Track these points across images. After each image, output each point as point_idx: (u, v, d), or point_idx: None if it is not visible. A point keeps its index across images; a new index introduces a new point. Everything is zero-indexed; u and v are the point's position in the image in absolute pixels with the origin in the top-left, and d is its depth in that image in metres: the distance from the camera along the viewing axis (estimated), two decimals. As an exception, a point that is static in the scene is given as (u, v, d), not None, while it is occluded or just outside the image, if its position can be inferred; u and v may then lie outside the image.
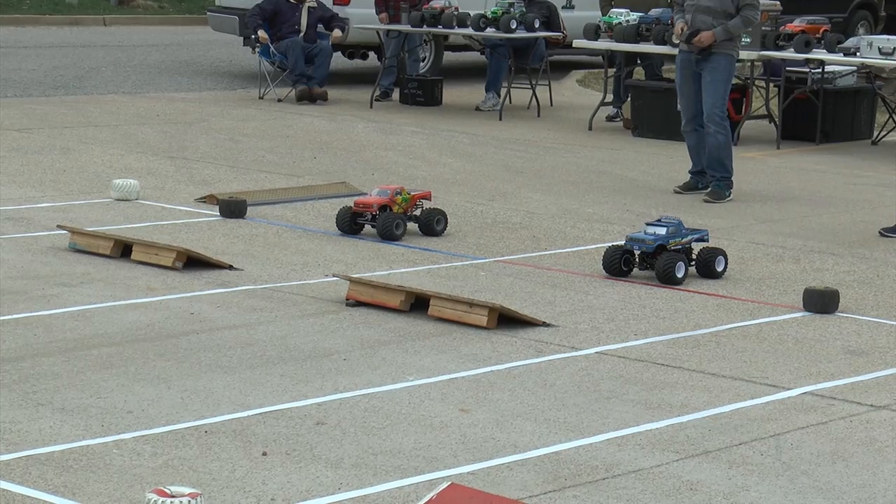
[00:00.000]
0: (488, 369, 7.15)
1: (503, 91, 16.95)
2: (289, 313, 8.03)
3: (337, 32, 17.01)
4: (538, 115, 16.70)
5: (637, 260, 9.12)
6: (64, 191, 11.26)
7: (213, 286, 8.54)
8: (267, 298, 8.30)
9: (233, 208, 10.50)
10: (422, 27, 16.99)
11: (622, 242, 9.22)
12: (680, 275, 8.94)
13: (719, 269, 9.15)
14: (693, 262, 9.16)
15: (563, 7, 18.77)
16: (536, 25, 16.54)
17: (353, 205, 10.13)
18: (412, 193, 10.22)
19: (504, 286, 8.79)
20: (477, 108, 17.11)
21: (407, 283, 8.51)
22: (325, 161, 13.21)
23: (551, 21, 17.15)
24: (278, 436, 6.10)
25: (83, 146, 13.34)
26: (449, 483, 5.20)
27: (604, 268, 9.14)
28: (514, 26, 16.29)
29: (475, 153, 14.01)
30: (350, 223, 10.05)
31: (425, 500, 5.05)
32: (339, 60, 19.06)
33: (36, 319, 7.68)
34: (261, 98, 17.15)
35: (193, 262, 8.92)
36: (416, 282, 8.66)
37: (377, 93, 17.31)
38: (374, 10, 17.61)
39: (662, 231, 9.09)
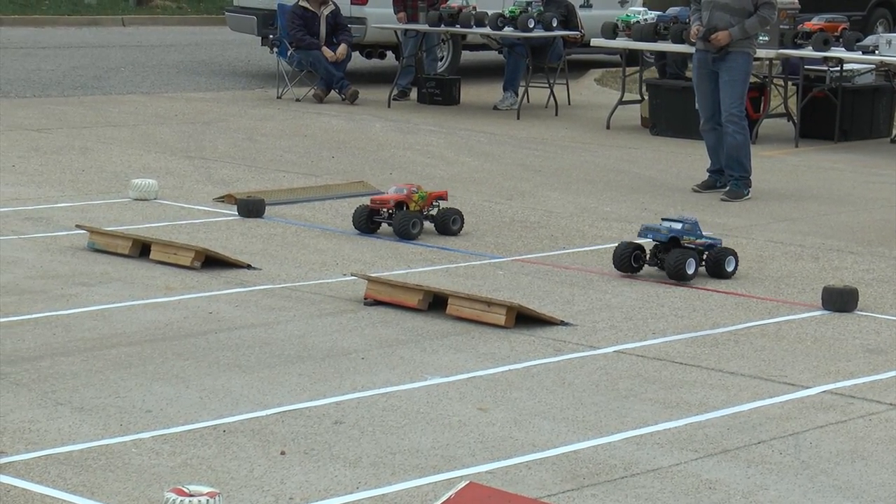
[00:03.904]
0: (506, 368, 7.14)
1: (521, 90, 16.94)
2: (307, 312, 8.02)
3: (342, 48, 16.95)
4: (556, 114, 16.69)
5: (648, 256, 9.07)
6: (83, 191, 11.27)
7: (232, 285, 8.54)
8: (285, 298, 8.30)
9: (251, 208, 10.51)
10: (439, 26, 17.00)
11: (632, 239, 9.20)
12: (690, 271, 8.90)
13: (730, 269, 9.08)
14: (703, 262, 9.10)
15: (580, 6, 18.74)
16: (554, 24, 16.52)
17: (369, 202, 10.12)
18: (429, 192, 10.18)
19: (522, 285, 8.78)
20: (495, 108, 17.10)
21: (425, 282, 8.50)
22: (343, 160, 13.21)
23: (569, 20, 17.14)
24: (297, 435, 6.10)
25: (102, 146, 13.36)
26: (467, 482, 5.18)
27: (614, 264, 9.09)
28: (531, 25, 16.28)
29: (493, 152, 14.01)
30: (367, 221, 10.04)
31: (444, 498, 5.04)
32: (357, 60, 19.04)
33: (55, 319, 7.69)
34: (279, 98, 17.16)
35: (212, 262, 8.93)
36: (434, 281, 8.66)
37: (395, 92, 17.32)
38: (391, 10, 17.61)
39: (678, 226, 9.04)
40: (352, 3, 18.28)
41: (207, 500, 5.08)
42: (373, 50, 19.30)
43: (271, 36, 17.85)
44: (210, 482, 5.45)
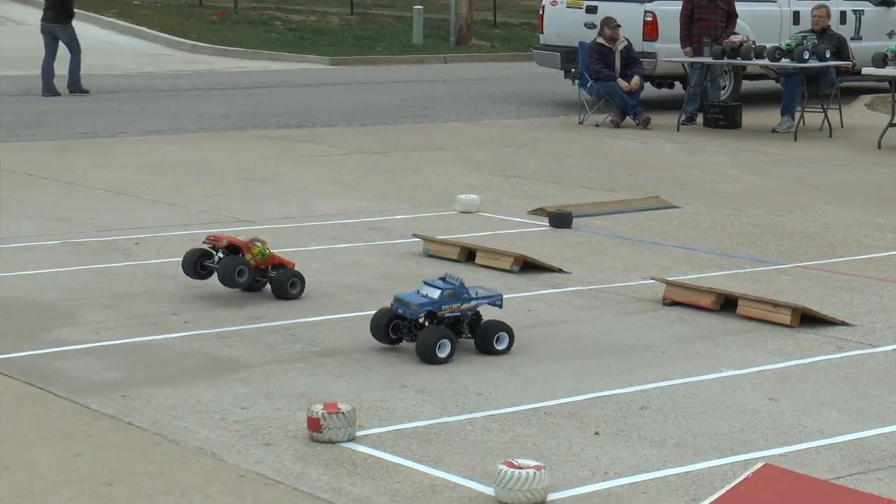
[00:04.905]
0: (793, 363, 6.98)
1: (797, 115, 16.53)
2: (612, 311, 8.00)
3: (635, 79, 16.87)
4: (830, 136, 16.24)
5: (406, 330, 6.94)
6: (416, 204, 11.48)
7: (546, 287, 8.58)
8: (593, 298, 8.30)
9: (561, 219, 10.54)
10: (722, 59, 16.75)
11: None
12: (443, 355, 6.73)
13: (500, 347, 6.91)
14: (471, 335, 7.00)
15: (851, 38, 18.21)
16: (827, 55, 16.08)
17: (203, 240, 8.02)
18: (271, 253, 7.98)
19: (804, 289, 8.57)
20: (773, 130, 16.74)
21: (717, 285, 8.38)
22: (638, 178, 13.13)
23: (841, 51, 16.64)
24: (608, 417, 6.09)
25: (430, 166, 13.59)
26: (763, 463, 5.09)
27: (371, 333, 7.00)
28: (806, 57, 15.89)
29: (773, 170, 13.71)
30: (195, 267, 7.87)
31: (742, 477, 4.96)
32: (648, 90, 18.91)
33: (397, 314, 7.84)
34: (580, 123, 17.17)
35: (528, 266, 8.99)
36: (725, 284, 8.52)
37: (683, 118, 17.13)
38: (679, 45, 17.44)
39: (436, 294, 6.81)
40: (643, 40, 18.16)
41: (534, 473, 5.11)
42: (662, 80, 19.14)
43: (573, 70, 17.88)
44: (535, 457, 5.48)
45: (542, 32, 19.67)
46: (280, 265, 7.97)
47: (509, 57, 27.69)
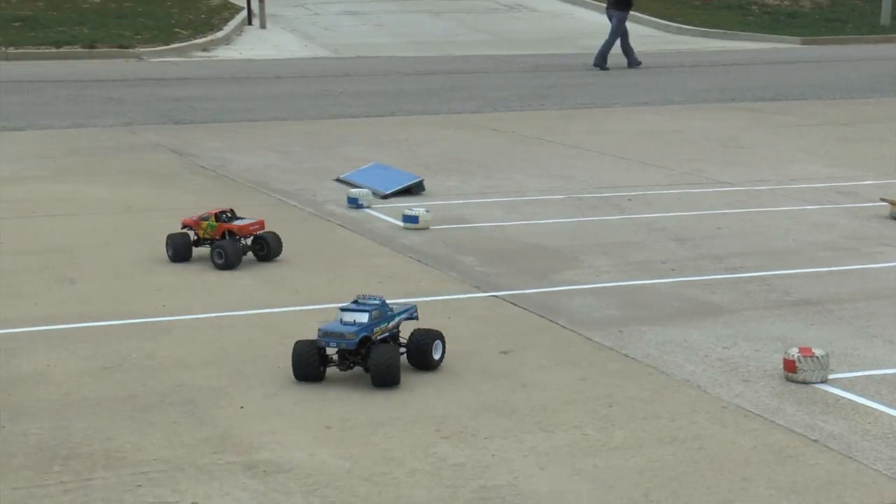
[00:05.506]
0: None
1: None
2: None
3: None
4: None
5: (337, 358, 5.54)
6: (882, 171, 10.93)
7: None
8: None
9: None
10: None
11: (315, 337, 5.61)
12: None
13: (436, 356, 5.63)
14: (404, 350, 5.69)
15: None
16: None
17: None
18: (219, 224, 7.54)
19: None
20: None
21: None
22: None
23: None
24: None
25: (897, 137, 12.90)
26: None
27: (294, 374, 5.49)
28: None
29: None
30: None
31: None
32: None
33: (866, 271, 7.53)
34: None
35: None
36: None
37: None
38: None
39: (364, 318, 5.52)
40: None
41: None
42: None
43: None
44: None
45: None
46: (230, 232, 7.54)
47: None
